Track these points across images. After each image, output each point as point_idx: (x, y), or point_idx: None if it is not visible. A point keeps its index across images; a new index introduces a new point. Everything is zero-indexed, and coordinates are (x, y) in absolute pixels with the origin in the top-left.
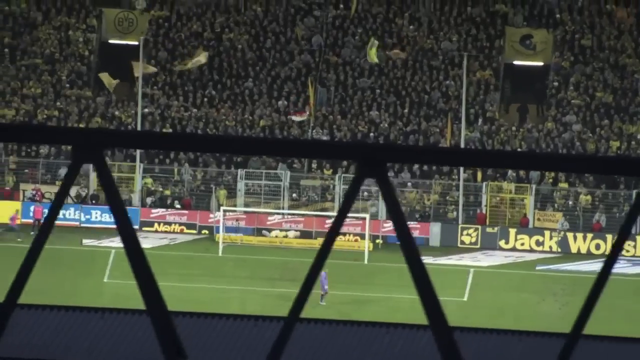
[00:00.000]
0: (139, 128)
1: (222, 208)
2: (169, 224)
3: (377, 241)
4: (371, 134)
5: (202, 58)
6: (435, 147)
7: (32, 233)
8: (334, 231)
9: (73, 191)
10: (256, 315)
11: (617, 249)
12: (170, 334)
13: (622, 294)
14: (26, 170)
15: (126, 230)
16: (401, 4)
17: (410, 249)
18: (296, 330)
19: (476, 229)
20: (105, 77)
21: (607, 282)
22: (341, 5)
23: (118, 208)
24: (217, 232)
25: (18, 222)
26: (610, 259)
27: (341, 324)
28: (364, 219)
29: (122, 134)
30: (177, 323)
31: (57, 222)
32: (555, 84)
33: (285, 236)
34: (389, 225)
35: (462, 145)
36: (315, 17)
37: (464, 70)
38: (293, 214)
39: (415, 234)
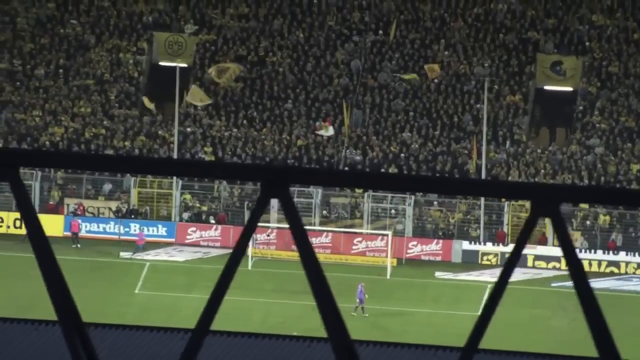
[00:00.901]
0: (176, 147)
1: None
2: (204, 238)
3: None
4: (402, 155)
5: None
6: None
7: (73, 246)
8: (240, 246)
9: (114, 205)
10: (184, 328)
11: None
12: (85, 345)
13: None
14: (72, 186)
15: (38, 239)
16: (438, 30)
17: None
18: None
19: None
20: (145, 100)
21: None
22: (380, 31)
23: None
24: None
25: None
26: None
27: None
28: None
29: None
30: (93, 334)
31: (98, 236)
32: (581, 108)
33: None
34: (414, 243)
35: (484, 166)
36: (354, 42)
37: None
38: (322, 230)
39: (438, 250)
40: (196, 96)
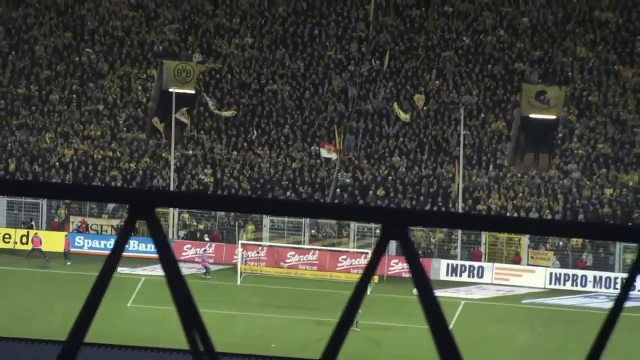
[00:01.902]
0: (172, 168)
1: (240, 242)
2: (199, 255)
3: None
4: (389, 177)
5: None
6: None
7: (68, 263)
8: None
9: (115, 222)
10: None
11: None
12: None
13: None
14: (77, 205)
15: (175, 280)
16: (430, 60)
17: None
18: None
19: (475, 266)
20: (155, 121)
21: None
22: (377, 61)
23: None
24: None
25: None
26: None
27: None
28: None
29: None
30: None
31: (98, 252)
32: (561, 135)
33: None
34: (395, 261)
35: (461, 189)
36: (350, 71)
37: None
38: (308, 249)
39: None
40: (182, 116)
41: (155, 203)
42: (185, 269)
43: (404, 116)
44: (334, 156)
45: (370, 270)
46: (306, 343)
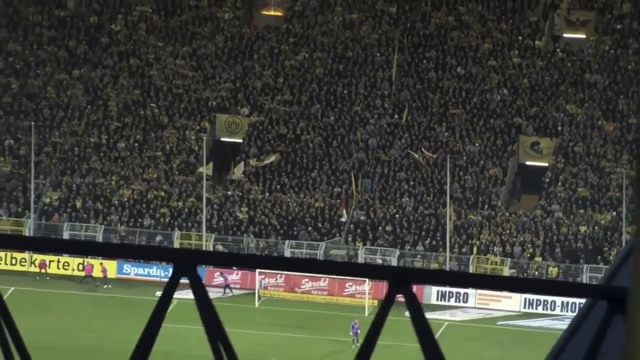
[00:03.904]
0: (204, 209)
1: (257, 270)
2: (227, 281)
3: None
4: (397, 215)
5: (273, 159)
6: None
7: (105, 286)
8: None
9: None
10: None
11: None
12: None
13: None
14: (131, 237)
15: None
16: (441, 115)
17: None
18: None
19: (462, 292)
20: (207, 168)
21: None
22: (396, 115)
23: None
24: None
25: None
26: None
27: None
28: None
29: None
30: None
31: (144, 278)
32: (548, 180)
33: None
34: None
35: (449, 226)
36: (373, 124)
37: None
38: (320, 276)
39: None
40: (238, 172)
41: (197, 261)
42: (214, 294)
43: (423, 162)
44: (344, 215)
45: (379, 323)
46: (303, 357)
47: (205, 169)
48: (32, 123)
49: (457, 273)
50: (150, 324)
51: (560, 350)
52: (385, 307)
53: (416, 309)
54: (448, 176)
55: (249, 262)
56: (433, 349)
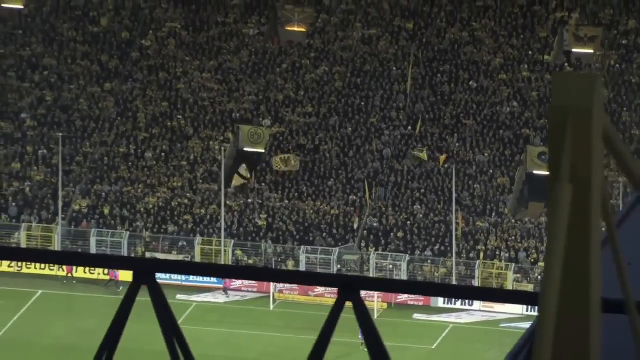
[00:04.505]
0: (223, 215)
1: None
2: (245, 285)
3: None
4: (408, 222)
5: (294, 165)
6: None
7: (118, 289)
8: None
9: (181, 257)
10: None
11: None
12: None
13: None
14: (155, 243)
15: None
16: (454, 127)
17: None
18: None
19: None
20: (237, 177)
21: None
22: (409, 127)
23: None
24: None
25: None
26: None
27: None
28: None
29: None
30: None
31: (165, 282)
32: None
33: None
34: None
35: (456, 232)
36: (388, 135)
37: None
38: None
39: (421, 297)
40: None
41: (156, 270)
42: (233, 296)
43: (423, 156)
44: (357, 222)
45: (328, 331)
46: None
47: (235, 180)
48: (60, 134)
49: (402, 282)
50: (110, 332)
51: None
52: (334, 314)
53: (364, 316)
54: (454, 185)
55: (206, 271)
56: (381, 355)
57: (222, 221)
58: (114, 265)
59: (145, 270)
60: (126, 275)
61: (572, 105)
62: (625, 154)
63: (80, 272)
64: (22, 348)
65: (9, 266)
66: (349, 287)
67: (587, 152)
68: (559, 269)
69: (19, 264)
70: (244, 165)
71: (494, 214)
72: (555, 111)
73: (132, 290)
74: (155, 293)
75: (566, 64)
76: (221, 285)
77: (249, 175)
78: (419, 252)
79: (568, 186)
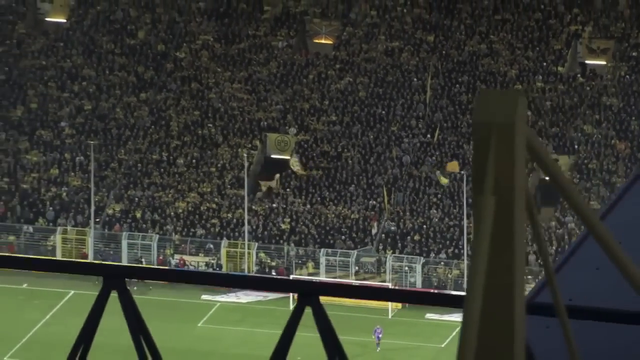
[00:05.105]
0: (246, 218)
1: (291, 276)
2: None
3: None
4: (424, 226)
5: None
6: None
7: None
8: None
9: (208, 259)
10: None
11: None
12: None
13: None
14: (183, 245)
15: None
16: (470, 135)
17: None
18: None
19: None
20: (264, 183)
21: None
22: (428, 135)
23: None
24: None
25: None
26: None
27: None
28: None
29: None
30: None
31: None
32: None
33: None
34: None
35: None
36: (407, 142)
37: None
38: (351, 281)
39: None
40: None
41: (126, 275)
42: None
43: (444, 181)
44: (375, 228)
45: (287, 337)
46: (325, 357)
47: (264, 185)
48: (92, 142)
49: (359, 287)
50: (79, 339)
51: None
52: (294, 318)
53: (323, 320)
54: (465, 191)
55: (174, 277)
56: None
57: (246, 224)
58: (84, 270)
59: (114, 276)
60: None
61: (495, 120)
62: (550, 162)
63: None
64: (50, 347)
65: None
66: (308, 293)
67: (510, 164)
68: (483, 277)
69: None
70: (271, 172)
71: None
72: (479, 127)
73: (102, 296)
74: (124, 298)
75: (579, 75)
76: None
77: (275, 182)
78: (433, 255)
79: (491, 198)
